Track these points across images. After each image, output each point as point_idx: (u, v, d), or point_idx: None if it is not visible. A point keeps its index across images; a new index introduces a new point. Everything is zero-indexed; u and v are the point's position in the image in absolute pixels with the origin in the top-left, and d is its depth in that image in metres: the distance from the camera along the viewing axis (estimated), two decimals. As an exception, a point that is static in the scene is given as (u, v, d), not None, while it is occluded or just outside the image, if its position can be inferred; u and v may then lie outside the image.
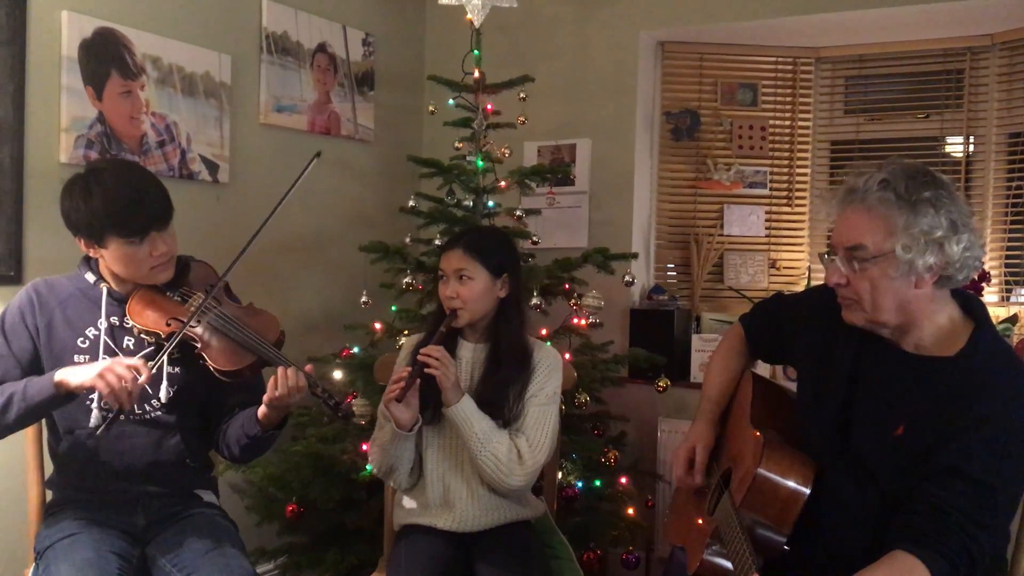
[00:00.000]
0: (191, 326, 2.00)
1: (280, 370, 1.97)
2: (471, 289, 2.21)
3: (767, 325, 2.09)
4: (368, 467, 2.78)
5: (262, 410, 2.02)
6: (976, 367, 1.65)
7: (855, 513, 1.72)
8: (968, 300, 1.76)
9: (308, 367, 2.01)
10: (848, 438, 1.76)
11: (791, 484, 1.73)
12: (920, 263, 1.63)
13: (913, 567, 1.54)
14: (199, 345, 2.01)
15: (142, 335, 2.04)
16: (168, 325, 2.01)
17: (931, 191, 1.64)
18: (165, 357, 1.99)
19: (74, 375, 1.89)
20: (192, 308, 2.04)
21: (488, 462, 2.14)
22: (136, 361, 1.90)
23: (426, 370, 2.09)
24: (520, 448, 2.17)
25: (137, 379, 1.87)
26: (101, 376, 1.84)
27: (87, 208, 1.97)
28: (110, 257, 2.03)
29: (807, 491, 1.73)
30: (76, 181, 2.02)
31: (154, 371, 1.95)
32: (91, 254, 2.06)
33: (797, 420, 1.92)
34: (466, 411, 2.14)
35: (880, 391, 1.74)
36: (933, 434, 1.63)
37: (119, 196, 1.97)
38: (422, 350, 2.12)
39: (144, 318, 2.03)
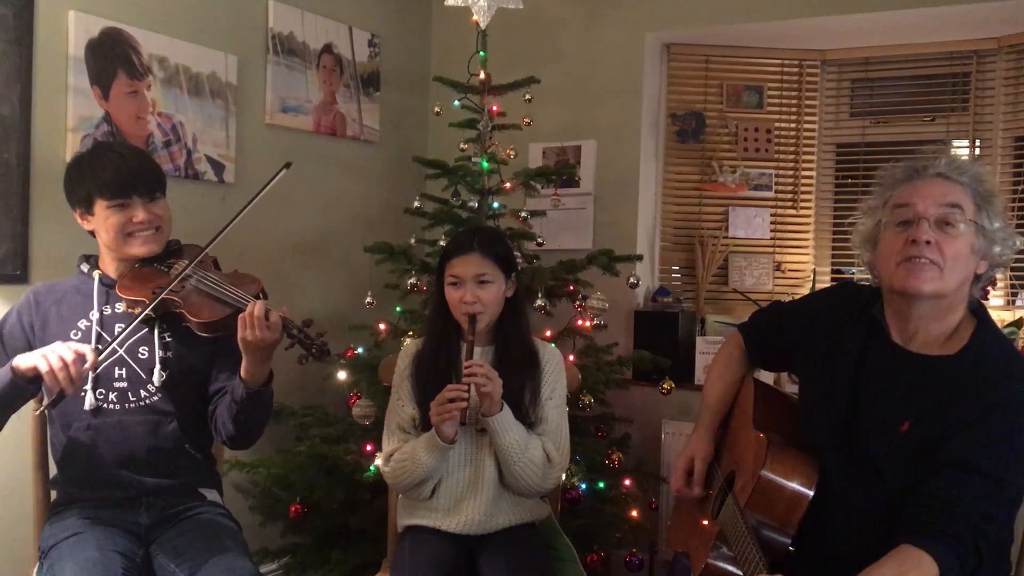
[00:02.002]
0: (174, 290, 2.03)
1: (249, 305, 1.95)
2: (491, 293, 2.20)
3: (767, 333, 2.10)
4: (372, 468, 2.78)
5: (243, 365, 2.01)
6: (979, 362, 1.68)
7: (862, 512, 1.73)
8: (973, 302, 1.78)
9: (283, 310, 1.99)
10: (854, 437, 1.77)
11: (795, 486, 1.75)
12: (996, 248, 1.72)
13: (920, 560, 1.54)
14: (180, 306, 2.04)
15: (130, 308, 2.07)
16: (153, 293, 2.03)
17: (999, 197, 1.75)
18: (156, 337, 2.07)
19: (24, 359, 1.90)
20: (176, 275, 2.08)
21: (527, 468, 2.15)
22: (84, 347, 1.91)
23: (482, 389, 2.08)
24: (549, 452, 2.19)
25: (82, 363, 1.87)
26: (44, 356, 1.86)
27: (79, 176, 2.09)
28: (98, 225, 2.09)
29: (810, 493, 1.74)
30: (75, 158, 2.18)
31: (122, 346, 2.00)
32: (86, 227, 2.13)
33: (802, 422, 1.93)
34: (506, 420, 2.13)
35: (885, 389, 1.75)
36: (938, 429, 1.65)
37: (106, 161, 2.08)
38: (469, 366, 2.08)
39: (132, 290, 2.07)
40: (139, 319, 2.01)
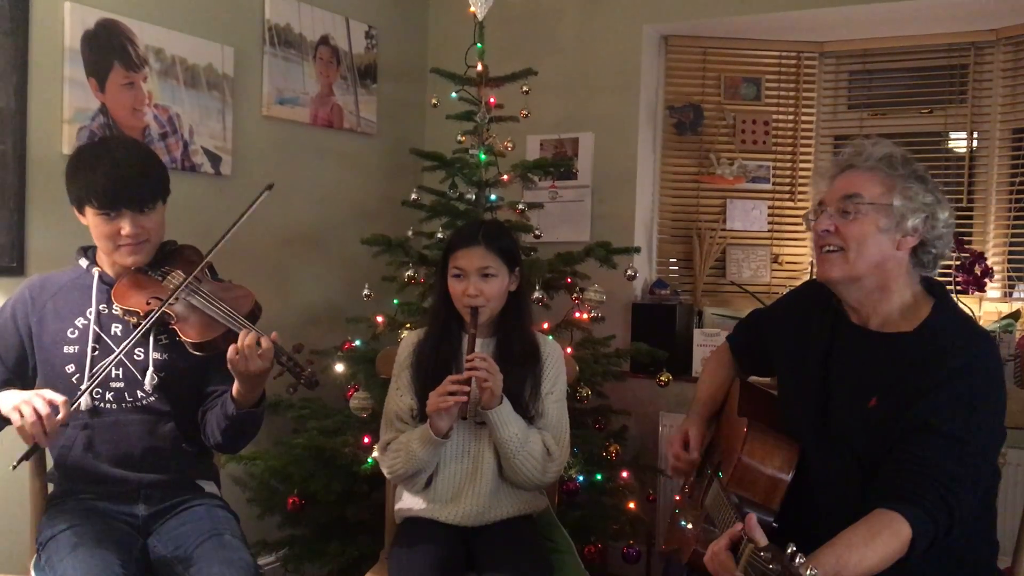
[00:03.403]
0: (169, 303, 2.01)
1: (241, 335, 1.94)
2: (495, 287, 2.19)
3: (749, 339, 2.20)
4: (370, 460, 2.78)
5: (235, 386, 2.00)
6: (938, 334, 1.75)
7: (840, 489, 1.79)
8: (929, 281, 1.86)
9: (273, 335, 1.97)
10: (828, 418, 1.84)
11: (772, 471, 1.81)
12: (909, 222, 1.76)
13: (892, 520, 1.59)
14: (173, 320, 2.03)
15: (126, 316, 2.05)
16: (148, 304, 2.02)
17: (922, 172, 1.80)
18: (151, 340, 2.06)
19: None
20: (171, 286, 2.06)
21: (526, 462, 2.15)
22: (59, 398, 1.88)
23: (483, 384, 2.08)
24: (549, 446, 2.20)
25: (54, 415, 1.85)
26: (16, 409, 1.84)
27: (73, 175, 2.04)
28: (89, 226, 2.07)
29: (787, 477, 1.81)
30: (77, 151, 2.12)
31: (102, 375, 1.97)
32: (83, 222, 2.09)
33: (781, 412, 1.99)
34: (506, 414, 2.13)
35: (852, 370, 1.83)
36: (903, 399, 1.71)
37: (100, 167, 2.01)
38: (470, 360, 2.09)
39: (127, 299, 2.05)
40: (133, 339, 1.99)
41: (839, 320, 1.89)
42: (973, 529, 1.75)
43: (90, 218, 2.04)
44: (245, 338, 1.93)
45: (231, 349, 1.93)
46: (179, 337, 2.03)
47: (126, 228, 2.03)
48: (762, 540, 1.43)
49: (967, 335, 1.76)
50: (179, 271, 2.10)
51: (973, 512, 1.71)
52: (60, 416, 1.86)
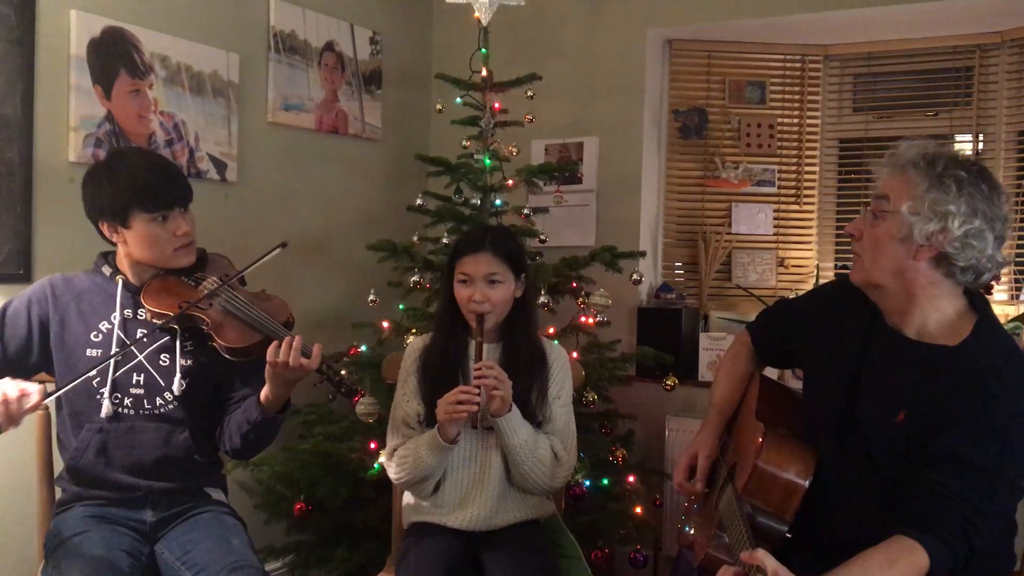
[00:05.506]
0: (201, 307, 2.02)
1: (286, 339, 1.95)
2: (501, 293, 2.19)
3: (773, 330, 2.13)
4: (376, 465, 2.78)
5: (264, 391, 2.01)
6: (978, 356, 1.67)
7: (858, 501, 1.75)
8: (972, 295, 1.78)
9: (317, 346, 1.99)
10: (851, 424, 1.79)
11: (789, 476, 1.77)
12: (918, 230, 1.67)
13: (911, 549, 1.56)
14: (208, 326, 2.03)
15: (155, 318, 2.04)
16: (180, 308, 2.02)
17: (968, 176, 1.68)
18: (178, 346, 2.06)
19: None
20: (205, 291, 2.06)
21: (535, 467, 2.15)
22: (31, 387, 1.83)
23: (493, 392, 2.07)
24: (557, 451, 2.20)
25: (23, 401, 1.79)
26: None
27: (112, 187, 2.01)
28: (133, 239, 2.04)
29: (805, 484, 1.76)
30: (98, 167, 2.09)
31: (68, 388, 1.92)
32: (115, 239, 2.07)
33: (804, 413, 1.95)
34: (515, 420, 2.13)
35: (884, 378, 1.77)
36: (934, 421, 1.65)
37: (143, 172, 2.02)
38: (479, 368, 2.08)
39: (158, 302, 2.04)
40: (158, 327, 2.00)
41: (876, 321, 1.83)
42: (994, 545, 1.71)
43: (140, 228, 2.02)
44: (292, 344, 1.93)
45: (271, 352, 1.93)
46: (214, 342, 2.03)
47: (183, 227, 2.04)
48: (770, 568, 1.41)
49: (1007, 360, 1.68)
50: (213, 278, 2.11)
51: (994, 537, 1.67)
52: (32, 403, 1.81)
